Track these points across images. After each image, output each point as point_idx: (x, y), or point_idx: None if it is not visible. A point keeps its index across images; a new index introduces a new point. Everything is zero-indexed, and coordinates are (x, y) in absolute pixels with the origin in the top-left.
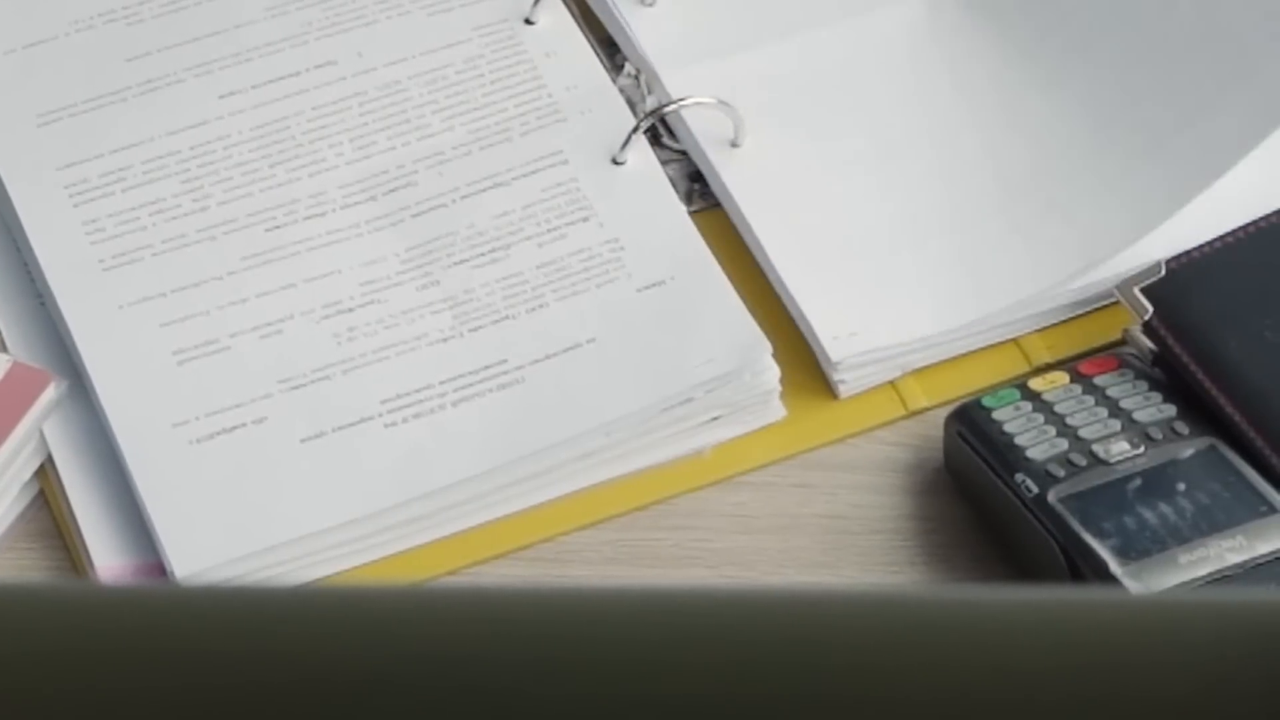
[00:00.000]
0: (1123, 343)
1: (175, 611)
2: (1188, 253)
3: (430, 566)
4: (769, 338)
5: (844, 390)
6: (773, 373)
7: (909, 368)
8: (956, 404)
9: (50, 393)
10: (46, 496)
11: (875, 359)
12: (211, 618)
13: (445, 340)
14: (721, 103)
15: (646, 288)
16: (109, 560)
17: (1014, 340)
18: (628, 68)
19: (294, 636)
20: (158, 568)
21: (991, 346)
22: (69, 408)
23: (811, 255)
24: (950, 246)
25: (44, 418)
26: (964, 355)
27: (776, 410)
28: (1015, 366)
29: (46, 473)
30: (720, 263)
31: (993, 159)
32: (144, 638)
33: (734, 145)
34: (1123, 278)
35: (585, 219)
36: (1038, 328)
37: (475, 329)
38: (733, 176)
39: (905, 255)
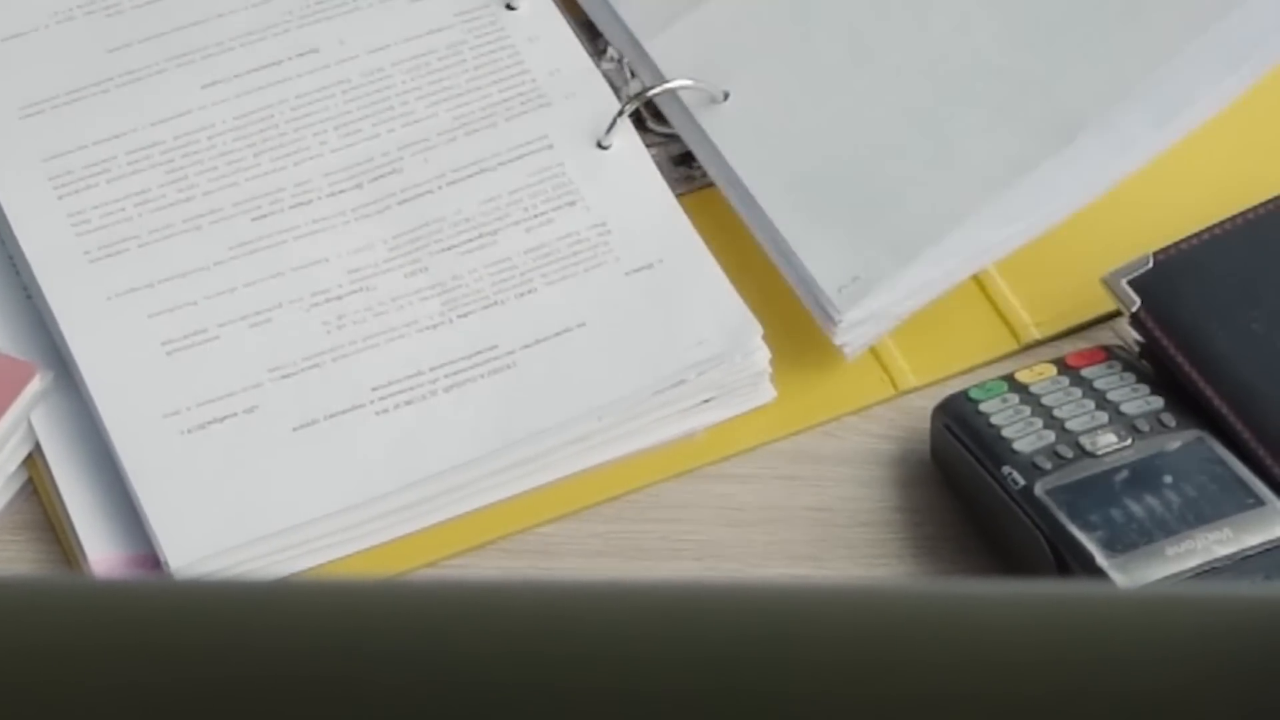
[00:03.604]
0: (1112, 315)
1: (163, 605)
2: (1175, 245)
3: (420, 555)
4: (758, 318)
5: (849, 351)
6: (763, 354)
7: (905, 315)
8: (942, 387)
9: (36, 384)
10: (36, 488)
11: (878, 311)
12: (200, 611)
13: (435, 327)
14: (699, 84)
15: (635, 271)
16: (102, 552)
17: (1001, 316)
18: (610, 51)
19: (284, 630)
20: (151, 559)
21: (978, 322)
22: (58, 401)
23: (804, 200)
24: (934, 148)
25: (30, 409)
26: (951, 332)
27: (767, 392)
28: (1003, 344)
29: (36, 466)
30: (708, 244)
31: (966, 36)
32: (132, 631)
33: (715, 101)
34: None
35: (572, 203)
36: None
37: (464, 315)
38: (721, 139)
39: (894, 170)
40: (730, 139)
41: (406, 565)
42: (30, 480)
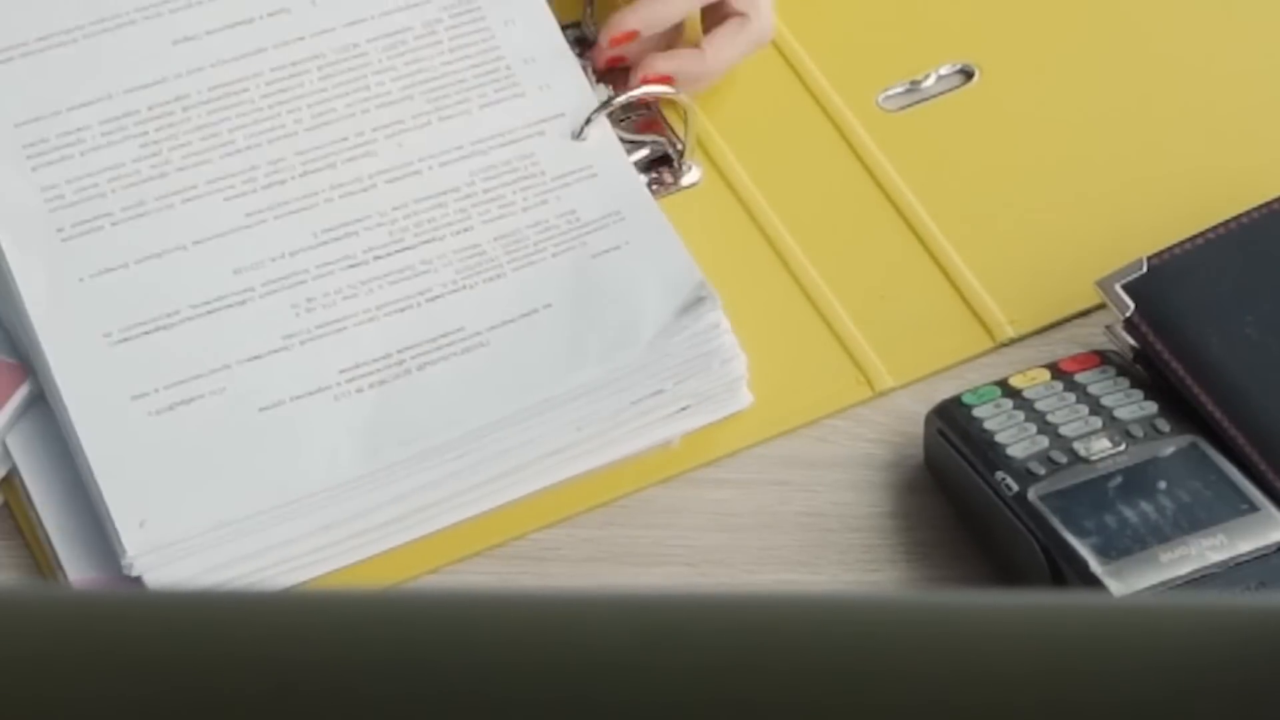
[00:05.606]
0: (1087, 313)
1: (138, 616)
2: (1169, 249)
3: (406, 568)
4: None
5: None
6: (740, 360)
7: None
8: (935, 390)
9: (26, 389)
10: (12, 510)
11: None
12: (175, 623)
13: (403, 310)
14: (678, 93)
15: (603, 253)
16: (82, 574)
17: (975, 315)
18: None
19: (270, 641)
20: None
21: (953, 321)
22: (36, 428)
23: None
24: None
25: (20, 414)
26: (926, 331)
27: (744, 398)
28: (979, 342)
29: (14, 490)
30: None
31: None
32: (106, 643)
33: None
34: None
35: (544, 194)
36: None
37: (434, 299)
38: None
39: None
40: None
41: (391, 579)
42: (6, 503)
